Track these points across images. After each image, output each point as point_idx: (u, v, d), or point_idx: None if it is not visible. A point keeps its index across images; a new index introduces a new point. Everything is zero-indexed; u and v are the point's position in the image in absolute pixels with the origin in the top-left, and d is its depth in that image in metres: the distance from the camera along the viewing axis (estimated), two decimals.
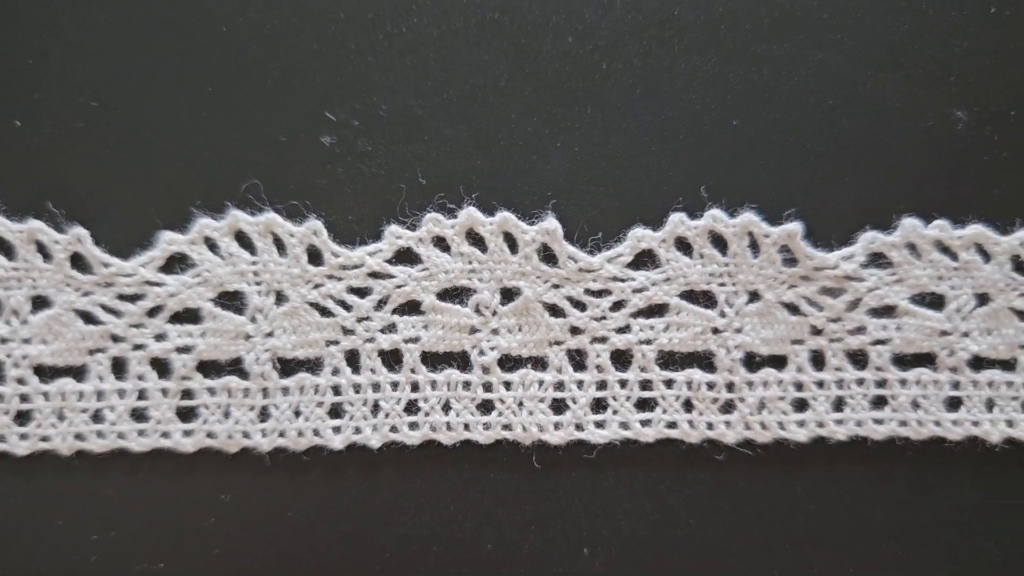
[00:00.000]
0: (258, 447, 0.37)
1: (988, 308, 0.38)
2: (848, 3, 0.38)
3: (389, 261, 0.38)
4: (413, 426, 0.38)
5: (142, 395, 0.37)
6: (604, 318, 0.38)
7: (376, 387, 0.38)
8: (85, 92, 0.38)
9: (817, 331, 0.38)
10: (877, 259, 0.38)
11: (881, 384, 0.38)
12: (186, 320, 0.37)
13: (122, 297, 0.37)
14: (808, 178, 0.38)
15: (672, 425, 0.38)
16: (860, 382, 0.38)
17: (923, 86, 0.38)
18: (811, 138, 0.38)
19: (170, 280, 0.37)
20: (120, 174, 0.38)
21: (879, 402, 0.38)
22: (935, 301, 0.38)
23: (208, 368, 0.38)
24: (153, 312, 0.37)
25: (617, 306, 0.38)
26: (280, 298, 0.37)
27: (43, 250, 0.37)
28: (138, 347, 0.37)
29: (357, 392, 0.38)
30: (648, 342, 0.38)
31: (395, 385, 0.38)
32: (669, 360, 0.38)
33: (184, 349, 0.37)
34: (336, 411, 0.38)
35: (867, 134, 0.38)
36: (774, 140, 0.38)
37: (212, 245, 0.37)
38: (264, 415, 0.37)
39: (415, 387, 0.38)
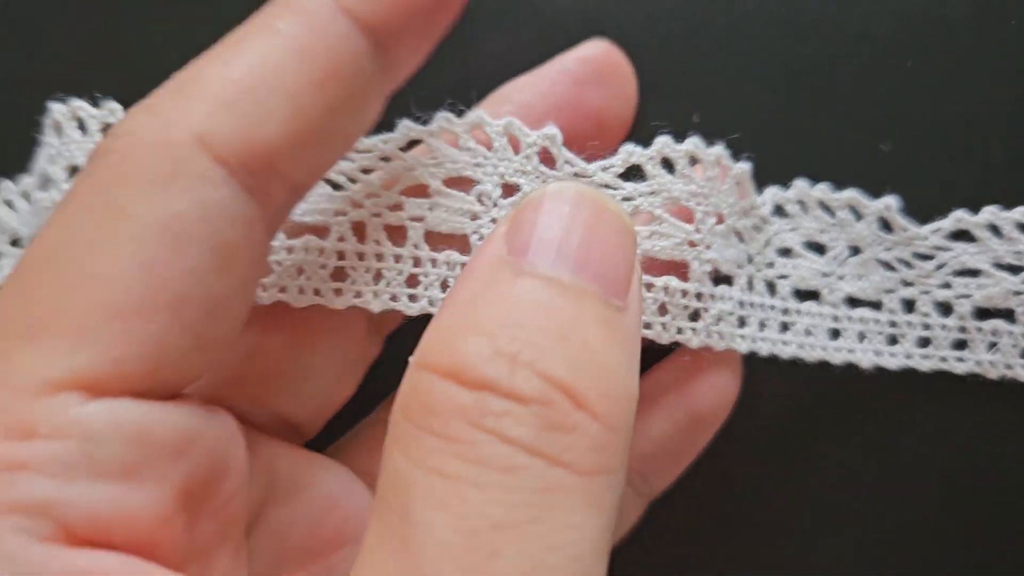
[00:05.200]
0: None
1: (859, 258, 0.47)
2: None
3: (402, 148, 0.38)
4: (413, 298, 0.37)
5: None
6: None
7: (379, 257, 0.37)
8: None
9: (750, 259, 0.44)
10: (780, 210, 0.46)
11: (784, 312, 0.45)
12: None
13: None
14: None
15: (648, 326, 0.40)
16: (772, 307, 0.45)
17: None
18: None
19: None
20: None
21: (784, 327, 0.45)
22: (819, 248, 0.47)
23: None
24: None
25: None
26: None
27: None
28: None
29: (361, 260, 0.37)
30: None
31: (397, 258, 0.37)
32: (650, 266, 0.40)
33: None
34: (338, 274, 0.37)
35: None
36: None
37: None
38: None
39: (416, 262, 0.37)
